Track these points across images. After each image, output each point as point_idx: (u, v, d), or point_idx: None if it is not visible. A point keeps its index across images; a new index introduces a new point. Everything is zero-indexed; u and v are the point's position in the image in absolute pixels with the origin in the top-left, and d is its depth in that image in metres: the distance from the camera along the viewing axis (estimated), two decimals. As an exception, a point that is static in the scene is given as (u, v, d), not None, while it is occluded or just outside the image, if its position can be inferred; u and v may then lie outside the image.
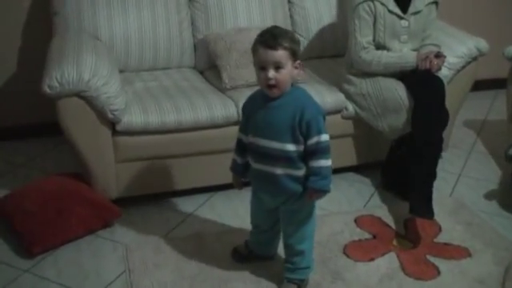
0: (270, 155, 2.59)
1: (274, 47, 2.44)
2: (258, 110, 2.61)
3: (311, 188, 2.59)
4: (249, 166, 2.75)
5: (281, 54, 2.45)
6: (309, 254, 2.82)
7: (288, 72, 2.48)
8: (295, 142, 2.55)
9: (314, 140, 2.53)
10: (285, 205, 2.71)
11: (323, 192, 2.61)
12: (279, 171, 2.60)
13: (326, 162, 2.56)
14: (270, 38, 2.47)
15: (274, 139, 2.57)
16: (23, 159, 4.07)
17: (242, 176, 2.84)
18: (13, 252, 3.10)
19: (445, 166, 3.99)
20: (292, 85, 2.58)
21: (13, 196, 3.31)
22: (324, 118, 2.57)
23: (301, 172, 2.60)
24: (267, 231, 2.90)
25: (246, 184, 2.89)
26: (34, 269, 2.98)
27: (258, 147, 2.63)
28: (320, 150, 2.54)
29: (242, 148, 2.76)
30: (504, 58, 3.87)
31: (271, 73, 2.47)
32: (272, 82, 2.48)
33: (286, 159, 2.58)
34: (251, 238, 3.00)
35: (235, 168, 2.83)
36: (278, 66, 2.46)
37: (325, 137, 2.54)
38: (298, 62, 2.52)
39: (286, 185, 2.62)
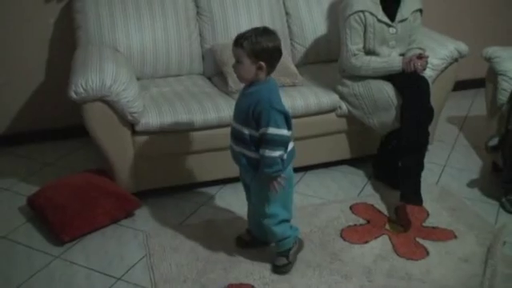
0: (234, 135, 2.74)
1: (235, 44, 2.61)
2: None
3: (260, 172, 2.68)
4: None
5: (238, 52, 2.60)
6: (276, 228, 2.82)
7: (245, 68, 2.61)
8: (248, 126, 2.65)
9: (261, 130, 2.61)
10: (251, 182, 2.82)
11: (270, 178, 2.66)
12: (237, 149, 2.74)
13: (269, 153, 2.60)
14: (238, 36, 2.62)
15: (237, 122, 2.71)
16: (53, 159, 4.09)
17: None
18: (45, 240, 3.16)
19: (431, 158, 3.99)
20: (267, 79, 2.66)
21: (44, 190, 3.34)
22: (283, 114, 2.61)
23: (252, 154, 2.69)
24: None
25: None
26: (64, 255, 3.05)
27: (231, 127, 2.77)
28: (265, 141, 2.60)
29: None
30: (482, 58, 3.85)
31: (234, 64, 2.66)
32: (234, 71, 2.69)
33: (242, 140, 2.69)
34: (249, 221, 3.07)
35: None
36: (237, 60, 2.62)
37: (272, 130, 2.58)
38: (261, 63, 2.59)
39: (241, 161, 2.74)
